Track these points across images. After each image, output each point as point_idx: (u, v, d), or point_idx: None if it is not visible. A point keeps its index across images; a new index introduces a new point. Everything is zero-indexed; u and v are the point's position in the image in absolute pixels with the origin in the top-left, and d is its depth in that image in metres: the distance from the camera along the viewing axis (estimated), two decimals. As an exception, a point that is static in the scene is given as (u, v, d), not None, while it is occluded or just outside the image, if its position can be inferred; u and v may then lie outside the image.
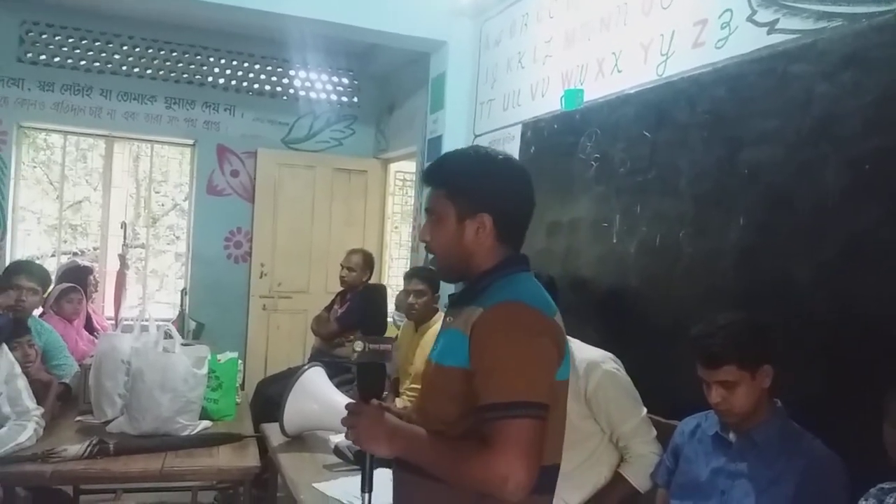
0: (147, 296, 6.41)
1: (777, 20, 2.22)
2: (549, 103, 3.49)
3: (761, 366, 1.70)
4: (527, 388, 1.20)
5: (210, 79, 5.58)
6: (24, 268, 3.37)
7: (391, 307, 4.64)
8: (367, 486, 1.35)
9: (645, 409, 2.19)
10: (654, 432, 2.17)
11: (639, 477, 2.12)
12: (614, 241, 2.69)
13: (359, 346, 1.35)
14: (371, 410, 1.32)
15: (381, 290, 1.53)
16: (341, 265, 4.35)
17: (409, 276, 3.64)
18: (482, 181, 1.36)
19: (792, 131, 2.00)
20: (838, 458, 1.65)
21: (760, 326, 1.76)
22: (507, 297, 1.28)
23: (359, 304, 4.26)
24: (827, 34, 2.00)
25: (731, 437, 1.80)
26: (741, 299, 2.09)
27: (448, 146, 4.38)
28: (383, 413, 1.32)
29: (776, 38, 2.21)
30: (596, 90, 3.10)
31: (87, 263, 4.56)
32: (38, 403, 2.58)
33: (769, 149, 2.07)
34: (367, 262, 4.35)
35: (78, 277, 3.96)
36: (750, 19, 2.32)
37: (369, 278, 4.37)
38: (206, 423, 2.71)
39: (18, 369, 2.55)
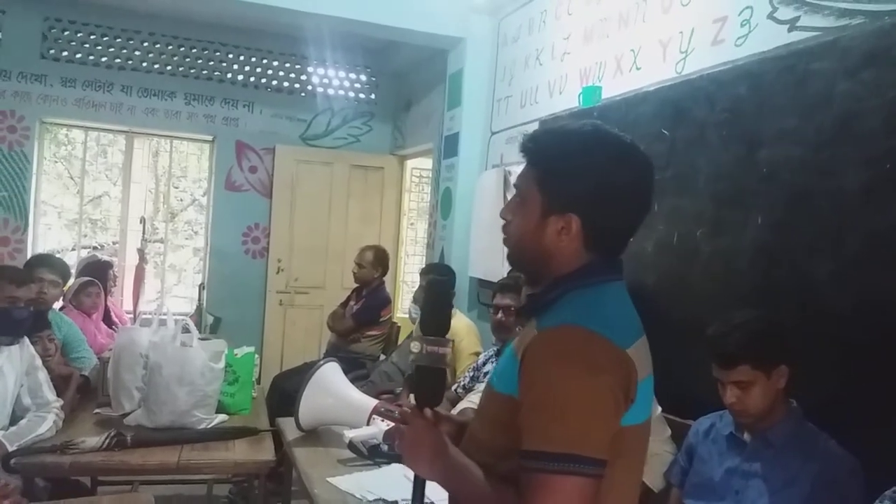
0: (165, 290, 6.45)
1: (798, 17, 2.20)
2: (567, 100, 3.48)
3: (777, 366, 1.69)
4: (578, 439, 0.99)
5: (229, 75, 5.62)
6: (44, 261, 3.43)
7: (407, 302, 4.65)
8: (418, 500, 1.22)
9: (660, 408, 2.18)
10: (669, 431, 2.16)
11: (652, 476, 2.11)
12: (630, 239, 2.67)
13: (416, 346, 1.21)
14: (420, 424, 1.17)
15: (445, 286, 1.29)
16: (354, 261, 4.38)
17: (425, 272, 3.66)
18: (580, 175, 1.11)
19: (812, 130, 1.98)
20: (854, 459, 1.64)
21: (776, 326, 1.75)
22: (568, 318, 1.06)
23: (373, 300, 4.29)
24: (849, 32, 1.98)
25: (746, 437, 1.79)
26: (759, 298, 2.07)
27: (465, 143, 4.39)
28: (434, 430, 1.17)
29: (797, 36, 2.19)
30: (614, 87, 3.09)
31: (106, 258, 4.61)
32: (58, 396, 2.62)
33: (789, 147, 2.05)
34: (379, 258, 4.36)
35: (97, 271, 4.01)
36: (770, 17, 2.30)
37: (382, 274, 4.39)
38: (222, 417, 2.73)
39: (39, 362, 2.59)
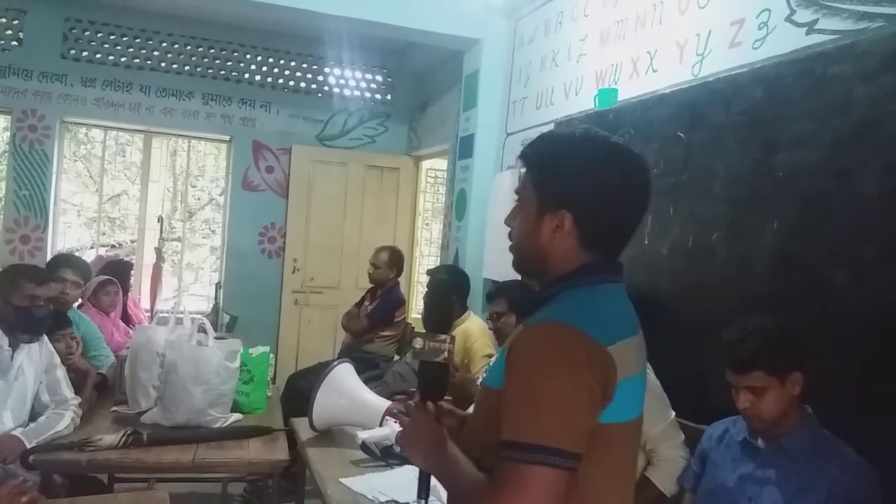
0: (182, 289, 6.52)
1: (816, 20, 2.18)
2: (583, 102, 3.47)
3: (791, 372, 1.68)
4: (550, 431, 1.00)
5: (246, 76, 5.65)
6: (67, 261, 3.46)
7: (421, 303, 4.65)
8: (423, 492, 1.28)
9: (673, 413, 2.17)
10: (682, 436, 2.14)
11: (665, 481, 2.10)
12: (646, 242, 2.66)
13: (418, 343, 1.26)
14: (419, 416, 1.23)
15: (443, 285, 1.29)
16: (369, 262, 4.39)
17: (431, 273, 3.65)
18: (570, 171, 1.14)
19: (830, 134, 1.96)
20: (870, 466, 1.62)
21: (791, 332, 1.73)
22: (550, 315, 1.09)
23: (387, 300, 4.30)
24: (868, 35, 1.96)
25: (760, 443, 1.78)
26: (775, 304, 2.05)
27: (480, 145, 4.39)
28: (433, 423, 1.22)
29: (815, 39, 2.17)
30: (630, 89, 3.07)
31: (127, 259, 4.64)
32: (76, 393, 2.65)
33: (806, 151, 2.03)
34: (394, 259, 4.37)
35: (117, 271, 4.05)
36: (788, 19, 2.28)
37: (396, 275, 4.39)
38: (237, 416, 2.76)
39: (58, 359, 2.63)
